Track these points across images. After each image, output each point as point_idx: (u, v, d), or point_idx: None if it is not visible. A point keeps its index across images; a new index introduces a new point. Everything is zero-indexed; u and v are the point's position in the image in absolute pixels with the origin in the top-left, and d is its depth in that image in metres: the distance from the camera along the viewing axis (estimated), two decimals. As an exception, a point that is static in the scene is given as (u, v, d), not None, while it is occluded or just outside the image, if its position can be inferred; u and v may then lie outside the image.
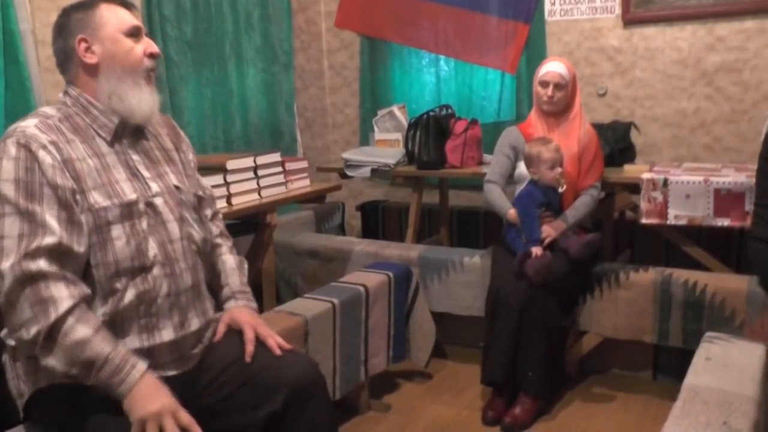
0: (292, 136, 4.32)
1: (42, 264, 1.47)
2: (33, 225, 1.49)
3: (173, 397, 1.53)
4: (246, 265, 2.03)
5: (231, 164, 2.75)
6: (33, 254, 1.47)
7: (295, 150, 4.32)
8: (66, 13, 1.68)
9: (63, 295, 1.48)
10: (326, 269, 3.51)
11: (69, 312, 1.48)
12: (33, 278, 1.47)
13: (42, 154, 1.52)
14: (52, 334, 1.47)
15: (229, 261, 1.96)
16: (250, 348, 1.75)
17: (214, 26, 3.74)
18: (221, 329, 1.82)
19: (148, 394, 1.50)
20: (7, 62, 2.72)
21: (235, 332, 1.84)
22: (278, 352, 1.76)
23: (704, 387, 1.84)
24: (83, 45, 1.64)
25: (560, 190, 2.82)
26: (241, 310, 1.86)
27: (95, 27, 1.64)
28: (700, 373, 1.96)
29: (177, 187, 1.76)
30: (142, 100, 1.67)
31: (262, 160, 2.92)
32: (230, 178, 2.75)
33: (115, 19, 1.65)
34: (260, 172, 2.91)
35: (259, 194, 2.92)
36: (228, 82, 3.85)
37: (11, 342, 1.62)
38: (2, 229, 1.49)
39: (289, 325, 2.37)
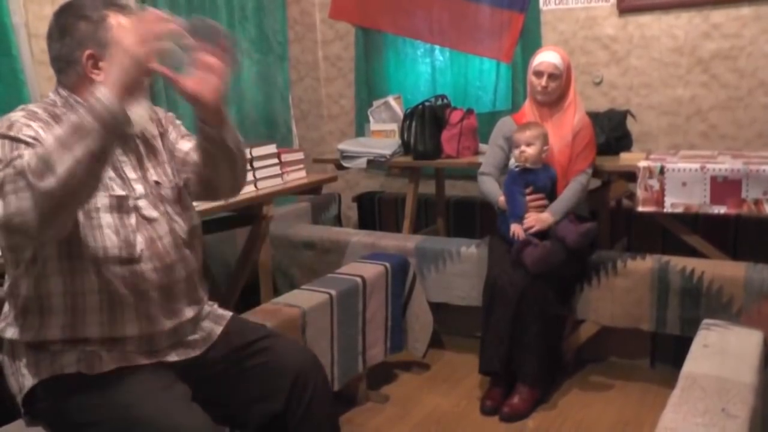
0: (288, 127, 4.31)
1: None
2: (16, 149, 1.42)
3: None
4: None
5: (226, 156, 2.74)
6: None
7: (291, 141, 4.31)
8: (70, 18, 1.61)
9: (22, 158, 1.36)
10: (323, 261, 3.51)
11: (29, 156, 1.35)
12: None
13: (26, 130, 1.48)
14: (36, 170, 1.31)
15: None
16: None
17: (209, 17, 3.71)
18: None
19: (118, 81, 1.37)
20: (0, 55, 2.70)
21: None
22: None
23: (702, 374, 1.85)
24: (91, 61, 1.59)
25: (514, 167, 2.87)
26: None
27: (106, 44, 1.58)
28: (698, 361, 1.96)
29: (157, 182, 1.73)
30: (139, 115, 1.63)
31: (257, 151, 2.91)
32: (226, 169, 2.74)
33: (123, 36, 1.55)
34: (256, 164, 2.91)
35: (255, 186, 2.91)
36: (222, 73, 3.83)
37: (7, 334, 1.62)
38: None
39: (286, 316, 2.37)
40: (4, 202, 1.36)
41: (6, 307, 1.67)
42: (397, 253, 3.14)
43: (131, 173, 1.68)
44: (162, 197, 1.73)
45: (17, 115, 1.54)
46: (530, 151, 2.79)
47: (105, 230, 1.58)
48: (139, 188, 1.68)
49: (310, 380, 1.75)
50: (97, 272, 1.57)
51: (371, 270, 2.81)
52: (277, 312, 2.39)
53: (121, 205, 1.61)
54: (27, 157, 1.35)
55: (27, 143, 1.45)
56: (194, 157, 1.82)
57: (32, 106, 1.61)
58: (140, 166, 1.72)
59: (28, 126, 1.50)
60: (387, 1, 4.28)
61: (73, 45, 1.60)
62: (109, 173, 1.63)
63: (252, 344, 1.80)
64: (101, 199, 1.58)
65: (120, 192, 1.62)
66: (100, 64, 1.60)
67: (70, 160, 1.32)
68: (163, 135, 1.82)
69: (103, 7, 1.62)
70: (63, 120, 1.40)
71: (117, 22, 1.61)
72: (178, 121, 1.90)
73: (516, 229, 2.78)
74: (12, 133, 1.47)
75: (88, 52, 1.59)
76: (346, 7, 4.47)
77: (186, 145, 1.84)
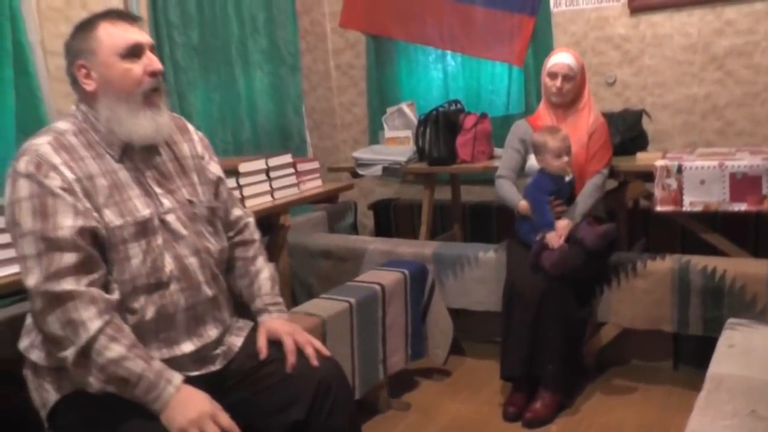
0: (302, 137, 4.31)
1: (67, 284, 1.48)
2: (50, 243, 1.49)
3: (212, 400, 1.54)
4: (277, 273, 2.00)
5: (243, 167, 2.75)
6: (56, 275, 1.47)
7: (305, 151, 4.31)
8: (72, 34, 1.65)
9: (91, 315, 1.49)
10: (340, 269, 3.50)
11: (100, 331, 1.49)
12: (60, 299, 1.47)
13: (53, 174, 1.52)
14: (86, 353, 1.49)
15: (264, 272, 1.92)
16: (291, 359, 1.74)
17: (220, 31, 3.73)
18: (263, 343, 1.79)
19: (185, 404, 1.51)
20: (17, 73, 2.71)
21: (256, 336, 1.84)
22: (315, 362, 1.73)
23: (729, 375, 1.82)
24: (83, 71, 1.62)
25: (567, 179, 2.81)
26: (274, 322, 1.84)
27: (92, 52, 1.60)
28: (723, 361, 1.93)
29: (190, 201, 1.74)
30: (140, 125, 1.63)
31: (273, 162, 2.91)
32: (243, 181, 2.75)
33: (110, 41, 1.60)
34: (272, 174, 2.91)
35: (272, 196, 2.92)
36: (235, 85, 3.85)
37: (32, 356, 1.63)
38: (22, 250, 1.50)
39: (306, 326, 2.35)
40: (52, 322, 1.49)
41: (28, 322, 1.68)
42: (415, 260, 3.13)
43: (157, 187, 1.69)
44: (195, 216, 1.74)
45: (44, 144, 1.56)
46: (567, 159, 2.77)
47: (132, 260, 1.60)
48: (167, 202, 1.69)
49: (332, 388, 1.74)
50: (126, 303, 1.59)
51: (390, 277, 2.80)
52: (297, 321, 2.37)
53: (146, 229, 1.62)
54: (99, 329, 1.49)
55: (54, 194, 1.50)
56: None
57: (60, 124, 1.64)
58: (168, 181, 1.72)
59: (55, 168, 1.52)
60: (397, 8, 4.28)
61: (70, 59, 1.65)
62: (135, 190, 1.64)
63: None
64: (127, 230, 1.59)
65: (145, 212, 1.63)
66: (92, 73, 1.62)
67: (106, 381, 1.51)
68: (195, 158, 1.83)
69: (100, 17, 1.64)
70: (139, 357, 1.52)
71: (106, 32, 1.61)
72: (206, 156, 1.90)
73: (553, 239, 2.71)
74: (40, 177, 1.51)
75: (78, 62, 1.62)
76: (357, 16, 4.48)
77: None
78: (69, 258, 1.49)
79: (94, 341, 1.48)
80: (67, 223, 1.50)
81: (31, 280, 1.48)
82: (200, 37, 3.61)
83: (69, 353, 1.49)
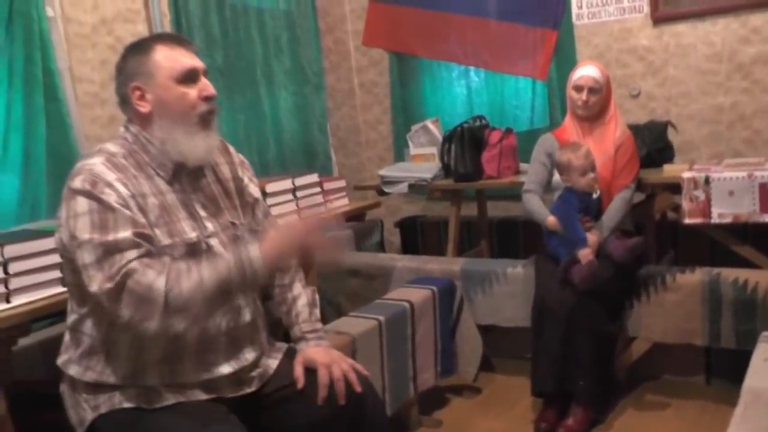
0: (327, 155, 4.34)
1: (126, 269, 1.48)
2: (110, 247, 1.49)
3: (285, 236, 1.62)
4: (317, 297, 1.99)
5: (270, 187, 2.77)
6: (118, 271, 1.47)
7: (330, 169, 4.34)
8: (125, 55, 1.67)
9: (152, 277, 1.48)
10: (369, 287, 3.50)
11: (166, 285, 1.47)
12: (122, 284, 1.47)
13: (108, 191, 1.52)
14: (169, 307, 1.48)
15: (301, 298, 1.92)
16: (323, 393, 1.71)
17: (244, 52, 3.78)
18: (299, 372, 1.77)
19: (274, 250, 1.57)
20: (47, 100, 2.77)
21: (294, 360, 1.84)
22: (342, 401, 1.71)
23: (766, 389, 1.79)
24: (137, 93, 1.63)
25: (594, 196, 2.79)
26: (312, 350, 1.82)
27: (148, 74, 1.61)
28: (759, 375, 1.90)
29: (233, 223, 1.76)
30: (195, 147, 1.64)
31: (300, 181, 2.94)
32: (270, 201, 2.77)
33: (167, 65, 1.61)
34: (299, 194, 2.93)
35: (300, 216, 2.93)
36: (261, 106, 3.89)
37: (70, 371, 1.65)
38: (83, 259, 1.50)
39: (336, 344, 2.35)
40: (126, 309, 1.48)
41: (67, 339, 1.69)
42: (443, 277, 3.13)
43: (202, 211, 1.70)
44: (237, 238, 1.75)
45: (97, 164, 1.57)
46: (593, 175, 2.76)
47: None
48: (210, 226, 1.70)
49: (367, 408, 1.75)
50: None
51: (418, 294, 2.81)
52: (327, 340, 2.39)
53: (194, 251, 1.63)
54: (166, 282, 1.48)
55: (113, 209, 1.51)
56: None
57: (110, 146, 1.65)
58: (212, 204, 1.74)
59: (110, 185, 1.53)
60: (419, 25, 4.30)
61: (123, 80, 1.65)
62: (182, 212, 1.65)
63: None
64: (177, 250, 1.60)
65: (192, 235, 1.64)
66: (147, 96, 1.62)
67: (206, 310, 1.54)
68: (236, 179, 1.85)
69: (155, 40, 1.66)
70: (210, 265, 1.54)
71: (164, 55, 1.63)
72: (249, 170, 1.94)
73: (587, 255, 2.68)
74: (97, 193, 1.51)
75: (133, 84, 1.63)
76: (379, 34, 4.51)
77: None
78: (130, 254, 1.49)
79: (168, 295, 1.47)
80: (126, 230, 1.51)
81: (94, 285, 1.48)
82: (225, 59, 3.66)
83: (155, 322, 1.48)
